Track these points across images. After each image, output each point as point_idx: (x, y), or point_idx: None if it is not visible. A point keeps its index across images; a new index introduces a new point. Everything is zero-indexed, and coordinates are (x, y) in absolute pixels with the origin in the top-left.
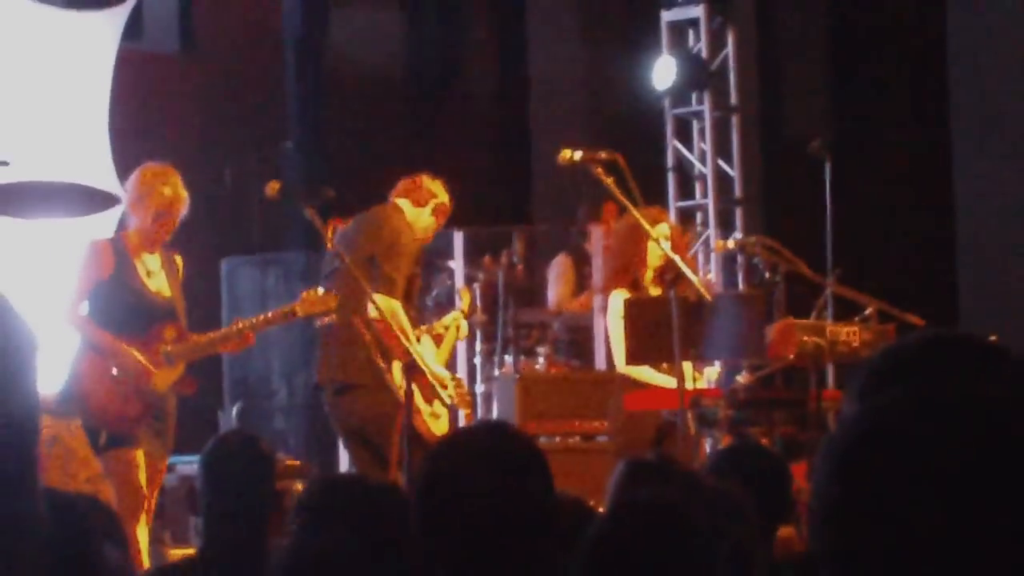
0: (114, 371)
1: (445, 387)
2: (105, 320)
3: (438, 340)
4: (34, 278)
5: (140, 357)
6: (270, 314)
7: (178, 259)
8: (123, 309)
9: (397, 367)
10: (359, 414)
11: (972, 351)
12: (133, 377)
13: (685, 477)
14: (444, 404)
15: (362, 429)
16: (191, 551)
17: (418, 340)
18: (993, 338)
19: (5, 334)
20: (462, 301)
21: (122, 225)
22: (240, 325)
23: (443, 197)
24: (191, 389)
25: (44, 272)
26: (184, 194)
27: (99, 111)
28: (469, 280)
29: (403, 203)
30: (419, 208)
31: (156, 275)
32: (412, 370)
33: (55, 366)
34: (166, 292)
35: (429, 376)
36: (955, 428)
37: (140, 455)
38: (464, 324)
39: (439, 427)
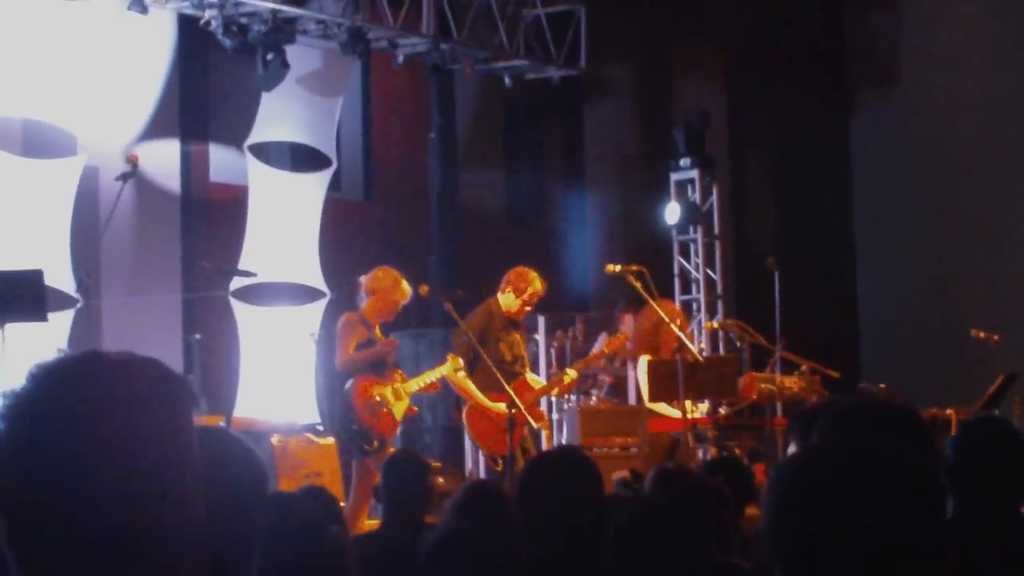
0: (376, 398)
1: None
2: None
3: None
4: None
5: (392, 388)
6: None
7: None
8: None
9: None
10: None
11: (858, 410)
12: (390, 400)
13: (691, 478)
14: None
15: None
16: (376, 523)
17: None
18: (883, 385)
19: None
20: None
21: (355, 304)
22: (430, 377)
23: (528, 285)
24: (414, 411)
25: (282, 340)
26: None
27: (313, 237)
28: (548, 347)
29: (501, 294)
30: (503, 294)
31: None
32: (512, 406)
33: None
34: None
35: (523, 411)
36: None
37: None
38: (571, 373)
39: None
